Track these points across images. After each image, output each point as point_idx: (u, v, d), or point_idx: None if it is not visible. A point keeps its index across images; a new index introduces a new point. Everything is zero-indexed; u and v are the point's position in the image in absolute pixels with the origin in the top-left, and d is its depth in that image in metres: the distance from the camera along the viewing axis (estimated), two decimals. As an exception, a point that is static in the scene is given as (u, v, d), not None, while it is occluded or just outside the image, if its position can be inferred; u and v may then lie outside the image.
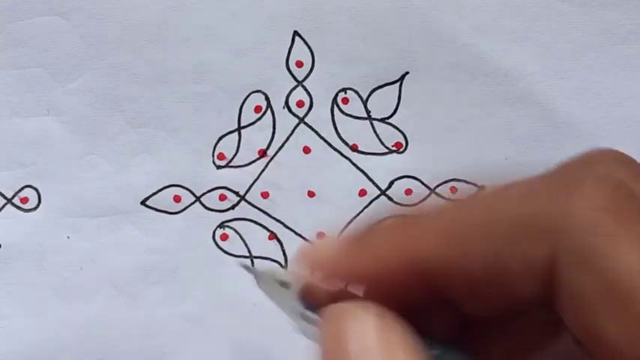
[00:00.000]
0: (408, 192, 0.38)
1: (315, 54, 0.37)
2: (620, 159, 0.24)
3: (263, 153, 0.37)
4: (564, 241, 0.21)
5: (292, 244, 0.38)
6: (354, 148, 0.38)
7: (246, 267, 0.34)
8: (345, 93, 0.38)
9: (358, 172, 0.38)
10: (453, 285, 0.23)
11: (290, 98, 0.37)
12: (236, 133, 0.37)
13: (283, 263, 0.38)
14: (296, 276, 0.28)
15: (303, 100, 0.37)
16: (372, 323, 0.23)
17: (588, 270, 0.21)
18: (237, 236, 0.37)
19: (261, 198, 0.38)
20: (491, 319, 0.24)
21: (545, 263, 0.22)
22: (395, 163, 0.38)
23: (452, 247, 0.23)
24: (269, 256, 0.38)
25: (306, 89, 0.37)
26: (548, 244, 0.21)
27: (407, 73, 0.37)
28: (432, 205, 0.25)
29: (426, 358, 0.23)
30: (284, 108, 0.37)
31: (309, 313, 0.26)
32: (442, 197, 0.39)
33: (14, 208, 0.36)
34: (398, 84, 0.38)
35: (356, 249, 0.24)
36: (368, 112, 0.38)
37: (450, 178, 0.38)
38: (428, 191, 0.38)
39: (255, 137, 0.37)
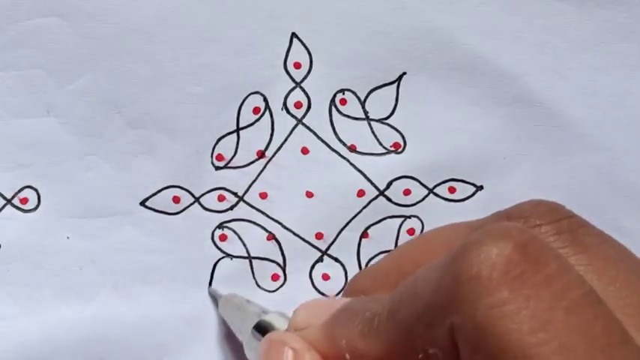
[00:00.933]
0: (407, 192, 0.38)
1: (312, 55, 0.37)
2: (549, 211, 0.25)
3: (261, 154, 0.38)
4: (458, 320, 0.22)
5: (291, 244, 0.38)
6: (352, 149, 0.38)
7: (211, 293, 0.36)
8: (343, 94, 0.38)
9: (356, 172, 0.38)
10: None
11: (288, 99, 0.37)
12: (235, 134, 0.37)
13: (282, 263, 0.38)
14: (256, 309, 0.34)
15: (302, 101, 0.38)
16: (290, 355, 0.27)
17: (477, 349, 0.21)
18: (236, 237, 0.38)
19: (259, 199, 0.38)
20: None
21: (450, 344, 0.22)
22: (393, 164, 0.38)
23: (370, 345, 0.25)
24: (267, 257, 0.38)
25: (304, 90, 0.38)
26: (447, 325, 0.22)
27: (404, 73, 0.38)
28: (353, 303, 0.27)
29: None
30: (282, 109, 0.38)
31: (256, 338, 0.32)
32: (441, 197, 0.39)
33: (14, 209, 0.36)
34: (395, 84, 0.38)
35: (320, 332, 0.27)
36: (366, 112, 0.38)
37: (449, 178, 0.38)
38: (426, 191, 0.38)
39: (254, 138, 0.38)
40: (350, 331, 0.26)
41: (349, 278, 0.38)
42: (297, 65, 0.37)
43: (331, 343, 0.27)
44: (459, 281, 0.22)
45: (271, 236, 0.38)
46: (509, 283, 0.21)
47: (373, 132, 0.38)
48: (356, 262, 0.38)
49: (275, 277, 0.38)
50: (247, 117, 0.37)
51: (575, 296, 0.21)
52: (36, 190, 0.36)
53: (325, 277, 0.38)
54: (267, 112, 0.37)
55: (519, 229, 0.22)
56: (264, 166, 0.38)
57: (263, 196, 0.38)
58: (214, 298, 0.37)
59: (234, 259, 0.38)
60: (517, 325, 0.21)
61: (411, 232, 0.38)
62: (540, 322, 0.21)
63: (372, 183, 0.38)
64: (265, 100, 0.37)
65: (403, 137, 0.38)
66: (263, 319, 0.32)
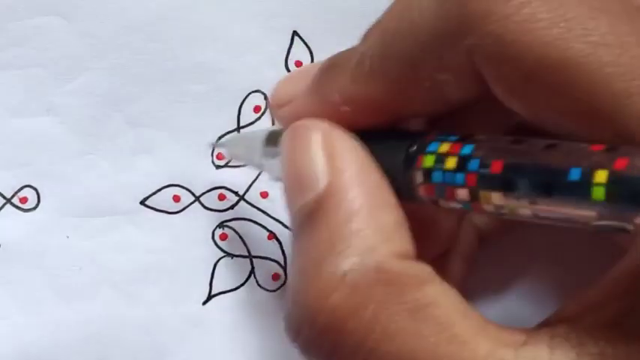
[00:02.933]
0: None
1: (314, 54, 0.37)
2: None
3: (262, 153, 0.38)
4: (475, 40, 0.22)
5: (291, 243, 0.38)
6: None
7: (212, 144, 0.35)
8: (344, 93, 0.38)
9: (357, 171, 0.38)
10: (399, 104, 0.25)
11: (289, 98, 0.37)
12: (235, 133, 0.37)
13: (282, 263, 0.38)
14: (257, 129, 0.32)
15: (302, 99, 0.37)
16: (316, 137, 0.25)
17: (502, 62, 0.22)
18: (237, 236, 0.37)
19: (260, 198, 0.38)
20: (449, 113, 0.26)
21: (467, 65, 0.23)
22: (394, 163, 0.38)
23: (380, 77, 0.25)
24: (268, 256, 0.38)
25: (305, 89, 0.37)
26: (463, 47, 0.22)
27: (406, 72, 0.37)
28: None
29: (369, 158, 0.25)
30: (283, 108, 0.37)
31: (271, 148, 0.29)
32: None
33: (13, 208, 0.36)
34: (397, 83, 0.38)
35: (308, 98, 0.27)
36: (367, 111, 0.38)
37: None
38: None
39: (255, 137, 0.37)
40: (341, 83, 0.26)
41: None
42: (299, 64, 0.37)
43: (323, 102, 0.26)
44: (465, 1, 0.22)
45: (272, 235, 0.38)
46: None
47: (374, 131, 0.38)
48: (356, 262, 0.38)
49: (276, 277, 0.38)
50: (248, 115, 0.37)
51: None
52: (35, 190, 0.36)
53: (326, 276, 0.38)
54: (268, 110, 0.37)
55: None
56: (265, 165, 0.38)
57: (264, 195, 0.38)
58: (222, 144, 0.36)
59: (234, 258, 0.38)
60: (536, 24, 0.21)
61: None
62: (558, 14, 0.21)
63: (373, 182, 0.38)
64: (266, 98, 0.37)
65: (404, 136, 0.38)
66: (272, 130, 0.30)
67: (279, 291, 0.38)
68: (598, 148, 0.21)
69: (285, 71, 0.37)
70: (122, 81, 0.36)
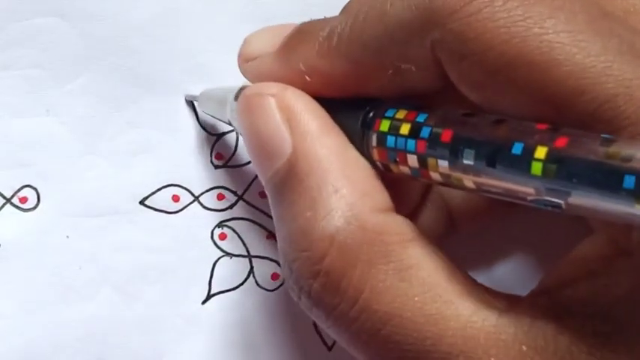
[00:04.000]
0: (406, 191, 0.38)
1: (312, 54, 0.37)
2: None
3: (261, 153, 0.38)
4: (439, 35, 0.23)
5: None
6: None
7: (187, 98, 0.35)
8: (343, 93, 0.38)
9: (356, 171, 0.38)
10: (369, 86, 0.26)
11: (288, 98, 0.38)
12: (234, 133, 0.37)
13: (282, 262, 0.38)
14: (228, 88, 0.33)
15: (301, 100, 0.38)
16: (271, 104, 0.27)
17: (464, 57, 0.23)
18: (236, 235, 0.38)
19: (259, 197, 0.38)
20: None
21: (430, 58, 0.24)
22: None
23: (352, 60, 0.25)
24: (267, 255, 0.38)
25: (303, 89, 0.38)
26: (427, 42, 0.24)
27: (404, 72, 0.38)
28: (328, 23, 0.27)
29: (328, 117, 0.27)
30: (282, 108, 0.38)
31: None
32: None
33: (13, 208, 0.36)
34: (395, 83, 0.38)
35: (275, 60, 0.28)
36: (365, 111, 0.38)
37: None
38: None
39: (254, 137, 0.38)
40: (307, 53, 0.26)
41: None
42: (297, 64, 0.37)
43: (288, 68, 0.27)
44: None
45: (271, 235, 0.38)
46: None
47: (372, 131, 0.38)
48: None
49: (275, 277, 0.38)
50: (247, 116, 0.37)
51: None
52: (35, 190, 0.36)
53: (325, 275, 0.38)
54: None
55: None
56: (264, 165, 0.38)
57: (263, 195, 0.38)
58: (191, 102, 0.37)
59: (233, 257, 0.38)
60: (496, 23, 0.22)
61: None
62: (517, 13, 0.22)
63: (371, 182, 0.38)
64: (265, 99, 0.37)
65: (402, 136, 0.38)
66: (243, 86, 0.31)
67: (278, 290, 0.38)
68: (542, 127, 0.22)
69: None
70: (122, 81, 0.36)
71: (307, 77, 0.26)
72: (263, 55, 0.29)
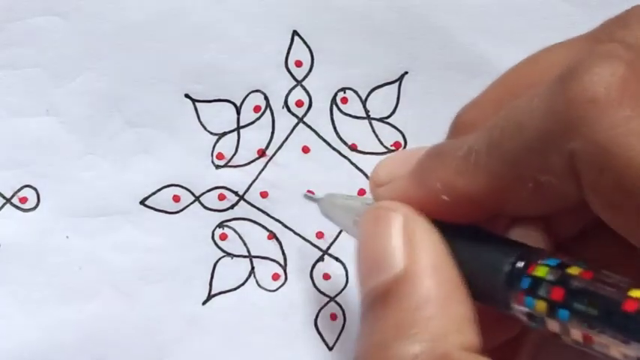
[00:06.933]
0: (408, 192, 0.38)
1: (314, 53, 0.37)
2: None
3: (262, 153, 0.37)
4: (579, 145, 0.22)
5: (291, 243, 0.38)
6: (353, 148, 0.38)
7: (308, 197, 0.35)
8: (344, 93, 0.38)
9: (357, 171, 0.38)
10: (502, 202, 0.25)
11: (289, 98, 0.37)
12: (235, 133, 0.37)
13: (282, 263, 0.38)
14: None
15: (302, 99, 0.37)
16: (398, 222, 0.26)
17: (603, 171, 0.22)
18: (237, 236, 0.37)
19: (260, 198, 0.38)
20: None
21: (569, 169, 0.23)
22: (394, 163, 0.38)
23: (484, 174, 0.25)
24: (268, 256, 0.38)
25: (305, 89, 0.37)
26: (566, 152, 0.22)
27: (406, 72, 0.37)
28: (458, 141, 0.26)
29: (447, 252, 0.25)
30: (283, 108, 0.37)
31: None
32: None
33: (13, 208, 0.36)
34: (397, 84, 0.38)
35: (409, 181, 0.27)
36: (367, 111, 0.38)
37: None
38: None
39: (254, 137, 0.37)
40: (444, 173, 0.25)
41: (350, 278, 0.38)
42: (299, 64, 0.37)
43: (423, 189, 0.26)
44: (574, 106, 0.22)
45: (272, 235, 0.38)
46: (627, 102, 0.21)
47: (374, 131, 0.38)
48: (356, 262, 0.38)
49: (276, 277, 0.38)
50: (248, 115, 0.37)
51: None
52: (35, 190, 0.36)
53: (326, 276, 0.38)
54: (268, 110, 0.37)
55: (625, 47, 0.22)
56: (265, 165, 0.37)
57: (264, 195, 0.37)
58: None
59: (234, 258, 0.38)
60: None
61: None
62: None
63: (372, 182, 0.38)
64: (266, 98, 0.37)
65: (404, 137, 0.38)
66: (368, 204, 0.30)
67: (278, 291, 0.38)
68: None
69: (286, 71, 0.37)
70: (122, 81, 0.36)
71: (445, 197, 0.26)
72: (396, 179, 0.28)
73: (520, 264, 0.24)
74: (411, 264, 0.25)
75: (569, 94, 0.22)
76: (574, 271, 0.23)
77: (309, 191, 0.37)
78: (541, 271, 0.24)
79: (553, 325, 0.23)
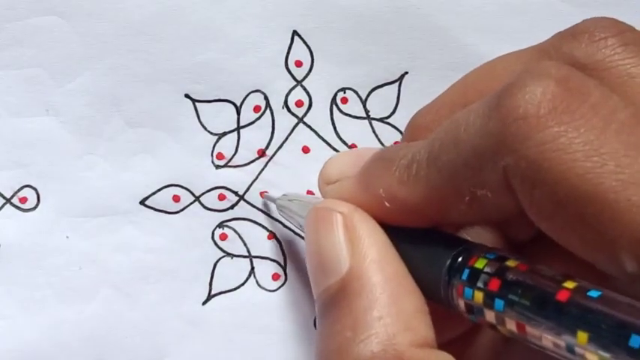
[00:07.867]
0: (408, 192, 0.38)
1: (314, 54, 0.37)
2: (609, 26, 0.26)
3: (262, 153, 0.37)
4: (512, 161, 0.23)
5: (291, 243, 0.38)
6: (353, 148, 0.38)
7: (267, 198, 0.35)
8: (345, 93, 0.38)
9: (357, 171, 0.38)
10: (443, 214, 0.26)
11: (289, 98, 0.37)
12: (235, 133, 0.37)
13: (282, 263, 0.38)
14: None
15: (302, 99, 0.37)
16: (339, 221, 0.27)
17: (535, 185, 0.22)
18: (237, 236, 0.37)
19: (260, 198, 0.38)
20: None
21: (504, 184, 0.23)
22: (394, 163, 0.38)
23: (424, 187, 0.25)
24: (268, 256, 0.38)
25: (305, 89, 0.37)
26: (499, 168, 0.23)
27: (406, 73, 0.37)
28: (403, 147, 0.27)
29: (390, 246, 0.26)
30: (283, 108, 0.37)
31: None
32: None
33: (13, 208, 0.36)
34: (397, 84, 0.38)
35: (355, 184, 0.28)
36: (367, 112, 0.38)
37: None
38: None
39: (254, 137, 0.37)
40: (387, 180, 0.26)
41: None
42: (299, 63, 0.37)
43: (367, 193, 0.27)
44: (506, 124, 0.23)
45: (272, 235, 0.38)
46: (557, 118, 0.22)
47: (374, 131, 0.38)
48: (356, 262, 0.38)
49: (276, 277, 0.38)
50: (248, 115, 0.37)
51: (623, 117, 0.22)
52: (35, 190, 0.36)
53: (326, 276, 0.38)
54: (268, 110, 0.37)
55: (557, 66, 0.23)
56: (265, 165, 0.37)
57: (264, 195, 0.37)
58: (269, 202, 0.37)
59: (234, 258, 0.38)
60: (571, 155, 0.22)
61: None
62: (593, 147, 0.22)
63: (372, 182, 0.38)
64: (266, 98, 0.37)
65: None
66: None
67: (279, 291, 0.38)
68: None
69: (286, 71, 0.37)
70: (122, 81, 0.36)
71: (387, 204, 0.26)
72: (343, 179, 0.29)
73: (461, 258, 0.25)
74: (356, 262, 0.26)
75: (502, 110, 0.23)
76: (511, 263, 0.24)
77: (263, 192, 0.37)
78: (480, 263, 0.24)
79: (490, 316, 0.24)
